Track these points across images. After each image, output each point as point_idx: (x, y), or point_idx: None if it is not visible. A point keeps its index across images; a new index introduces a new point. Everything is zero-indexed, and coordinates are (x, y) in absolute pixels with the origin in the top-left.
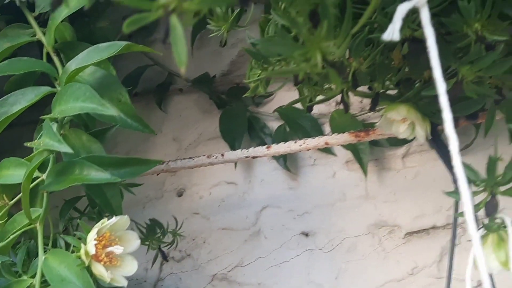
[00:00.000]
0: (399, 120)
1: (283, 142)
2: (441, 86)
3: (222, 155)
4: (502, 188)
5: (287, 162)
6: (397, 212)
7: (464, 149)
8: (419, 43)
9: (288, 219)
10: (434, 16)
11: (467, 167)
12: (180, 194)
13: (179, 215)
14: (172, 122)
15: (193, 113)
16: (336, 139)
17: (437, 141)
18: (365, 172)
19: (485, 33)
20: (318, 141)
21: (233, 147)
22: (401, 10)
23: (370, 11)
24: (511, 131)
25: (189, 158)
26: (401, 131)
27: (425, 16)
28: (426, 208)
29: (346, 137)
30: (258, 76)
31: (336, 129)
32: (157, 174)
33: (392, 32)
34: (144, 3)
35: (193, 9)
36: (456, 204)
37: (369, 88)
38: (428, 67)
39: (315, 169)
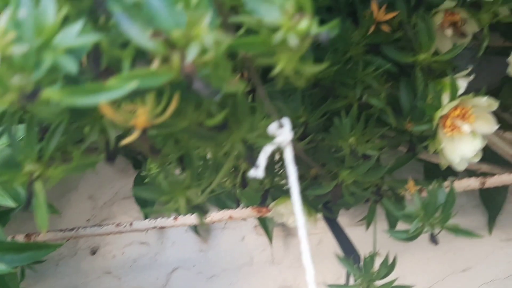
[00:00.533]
0: (288, 212)
1: (190, 214)
2: (300, 220)
3: (131, 224)
4: (379, 283)
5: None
6: (300, 278)
7: (361, 220)
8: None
9: (198, 282)
10: (316, 126)
11: (346, 262)
12: (93, 252)
13: (92, 273)
14: (88, 180)
15: (109, 172)
16: (240, 214)
17: (331, 223)
18: (270, 238)
19: (359, 148)
20: (223, 214)
21: (145, 210)
22: (266, 151)
23: (222, 175)
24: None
25: (98, 225)
26: (290, 222)
27: (288, 156)
28: (327, 275)
29: (249, 212)
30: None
31: (244, 196)
32: (67, 240)
33: (257, 171)
34: (9, 172)
35: (57, 176)
36: (348, 276)
37: (260, 183)
38: (313, 165)
39: (226, 233)
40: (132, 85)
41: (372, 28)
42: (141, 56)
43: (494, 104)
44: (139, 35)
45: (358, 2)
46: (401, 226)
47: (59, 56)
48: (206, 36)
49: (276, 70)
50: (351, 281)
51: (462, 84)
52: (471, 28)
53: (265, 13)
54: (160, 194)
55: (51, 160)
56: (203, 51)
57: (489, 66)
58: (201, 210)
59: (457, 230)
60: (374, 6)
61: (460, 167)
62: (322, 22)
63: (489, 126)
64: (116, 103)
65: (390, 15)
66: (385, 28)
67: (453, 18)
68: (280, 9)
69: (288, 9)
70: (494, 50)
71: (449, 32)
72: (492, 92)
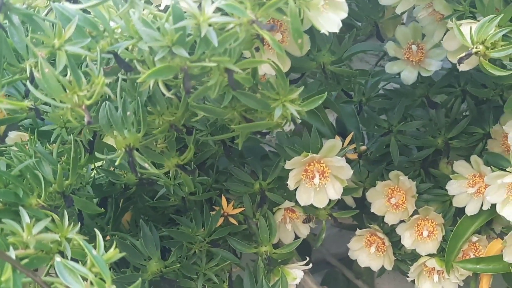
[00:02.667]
0: None
1: None
2: None
3: None
4: None
5: None
6: None
7: None
8: None
9: None
10: None
11: None
12: None
13: None
14: None
15: None
16: None
17: None
18: None
19: None
20: None
21: None
22: None
23: None
24: None
25: None
26: None
27: None
28: None
29: None
30: None
31: None
32: None
33: None
34: None
35: None
36: None
37: None
38: None
39: None
40: None
41: (221, 221)
42: None
43: None
44: None
45: (205, 201)
46: None
47: None
48: None
49: None
50: None
51: (299, 274)
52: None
53: (71, 283)
54: None
55: None
56: None
57: (345, 237)
58: None
59: None
60: (224, 201)
61: None
62: (171, 221)
63: None
64: None
65: (237, 210)
66: (233, 221)
67: (293, 214)
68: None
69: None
70: (346, 226)
71: (289, 226)
72: (346, 260)
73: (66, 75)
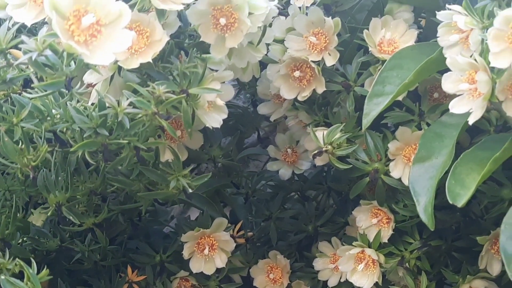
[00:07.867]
0: None
1: None
2: None
3: None
4: None
5: None
6: None
7: None
8: None
9: None
10: None
11: None
12: None
13: None
14: None
15: None
16: None
17: None
18: None
19: None
20: None
21: None
22: None
23: None
24: None
25: None
26: None
27: None
28: None
29: None
30: None
31: None
32: None
33: None
34: None
35: None
36: None
37: None
38: None
39: None
40: None
41: (125, 286)
42: None
43: None
44: None
45: (114, 269)
46: None
47: None
48: None
49: None
50: None
51: None
52: None
53: None
54: None
55: None
56: None
57: None
58: None
59: None
60: (129, 269)
61: None
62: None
63: None
64: None
65: (140, 277)
66: (136, 286)
67: (187, 283)
68: None
69: (28, 285)
70: None
71: None
72: None
73: (19, 143)
